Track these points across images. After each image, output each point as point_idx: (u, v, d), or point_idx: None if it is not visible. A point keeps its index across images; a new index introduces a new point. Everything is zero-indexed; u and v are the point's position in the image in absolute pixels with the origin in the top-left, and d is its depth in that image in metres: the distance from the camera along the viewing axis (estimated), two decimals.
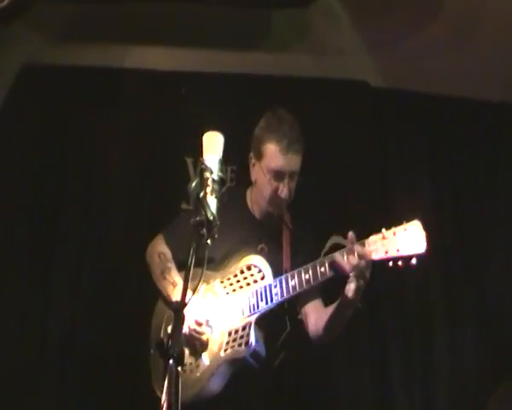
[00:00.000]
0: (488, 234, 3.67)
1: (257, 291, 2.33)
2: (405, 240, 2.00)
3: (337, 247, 3.53)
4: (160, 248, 2.57)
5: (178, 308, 1.69)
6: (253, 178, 2.53)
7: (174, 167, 3.56)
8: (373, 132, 3.71)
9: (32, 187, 3.50)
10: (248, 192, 2.60)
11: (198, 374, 2.30)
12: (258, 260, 2.39)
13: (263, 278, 2.35)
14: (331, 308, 2.32)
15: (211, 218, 1.77)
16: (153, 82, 3.65)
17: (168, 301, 2.41)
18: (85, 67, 3.61)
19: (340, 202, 3.56)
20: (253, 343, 2.26)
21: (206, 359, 2.32)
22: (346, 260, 2.13)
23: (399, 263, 2.02)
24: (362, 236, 2.16)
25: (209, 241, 1.77)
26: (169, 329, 2.36)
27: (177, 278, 2.43)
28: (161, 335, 2.43)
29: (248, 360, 2.29)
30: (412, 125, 3.78)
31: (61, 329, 3.33)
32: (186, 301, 1.68)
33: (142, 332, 2.59)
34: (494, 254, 3.65)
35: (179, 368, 1.57)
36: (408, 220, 2.05)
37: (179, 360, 1.57)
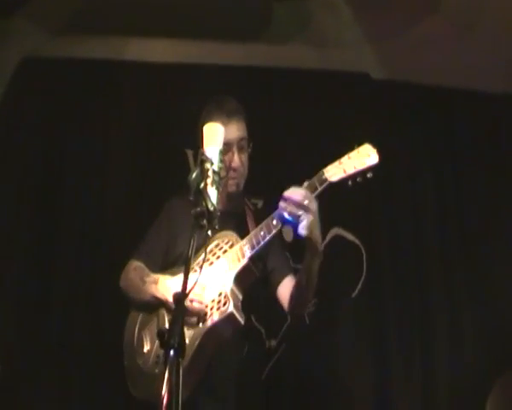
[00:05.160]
0: (489, 225, 3.67)
1: (229, 256, 2.30)
2: (360, 158, 2.18)
3: (338, 239, 3.55)
4: (133, 265, 2.51)
5: (180, 299, 1.70)
6: None
7: (174, 159, 3.56)
8: (373, 124, 3.70)
9: (32, 179, 3.49)
10: None
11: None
12: (223, 235, 2.36)
13: (232, 246, 2.33)
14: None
15: (211, 208, 1.77)
16: (152, 74, 3.64)
17: (160, 301, 2.32)
18: (85, 60, 3.61)
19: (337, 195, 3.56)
20: (230, 307, 2.19)
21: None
22: (286, 204, 2.15)
23: (358, 179, 2.18)
24: None
25: (209, 232, 1.77)
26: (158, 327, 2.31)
27: (155, 275, 2.38)
28: (134, 343, 2.38)
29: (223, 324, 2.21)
30: (413, 118, 3.76)
31: (60, 325, 3.34)
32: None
33: None
34: (494, 242, 3.64)
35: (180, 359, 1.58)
36: (359, 145, 2.22)
37: (180, 351, 1.58)
